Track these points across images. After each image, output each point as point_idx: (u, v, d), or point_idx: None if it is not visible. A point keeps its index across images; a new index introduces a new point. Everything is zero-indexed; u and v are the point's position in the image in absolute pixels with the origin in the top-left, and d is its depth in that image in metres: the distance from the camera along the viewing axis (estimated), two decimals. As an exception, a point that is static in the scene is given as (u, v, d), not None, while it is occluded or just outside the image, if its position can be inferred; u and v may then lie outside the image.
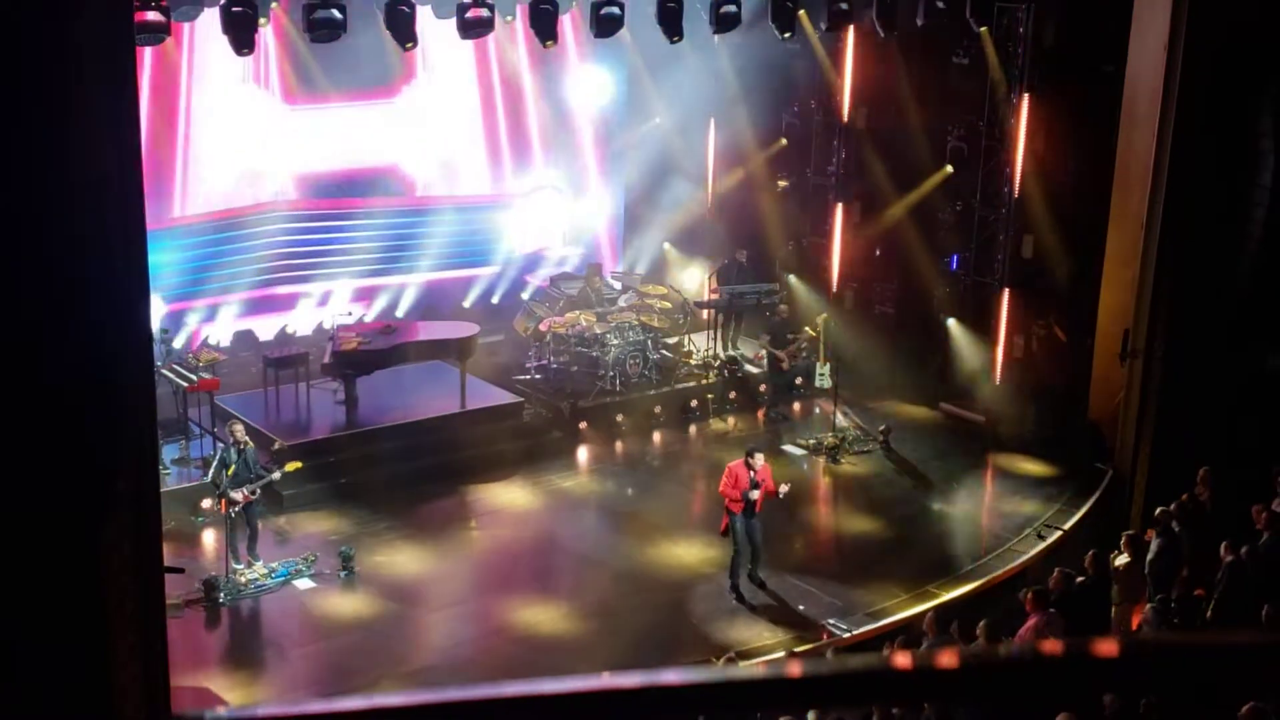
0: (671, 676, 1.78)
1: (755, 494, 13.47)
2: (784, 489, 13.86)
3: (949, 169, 18.92)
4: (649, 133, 22.02)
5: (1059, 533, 15.42)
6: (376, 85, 17.53)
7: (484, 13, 15.19)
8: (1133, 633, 11.44)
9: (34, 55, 2.02)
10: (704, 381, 19.35)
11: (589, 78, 21.24)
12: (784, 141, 21.14)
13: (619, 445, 18.09)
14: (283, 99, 17.27)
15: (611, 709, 1.82)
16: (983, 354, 18.83)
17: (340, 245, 19.46)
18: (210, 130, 16.91)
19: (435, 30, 16.14)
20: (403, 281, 19.88)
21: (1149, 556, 12.59)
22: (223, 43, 14.09)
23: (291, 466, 14.38)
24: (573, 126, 21.31)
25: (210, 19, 14.23)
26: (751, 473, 13.51)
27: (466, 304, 20.91)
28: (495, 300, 21.14)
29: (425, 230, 19.88)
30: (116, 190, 2.15)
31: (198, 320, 18.13)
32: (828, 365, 18.96)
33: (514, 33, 18.48)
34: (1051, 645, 1.80)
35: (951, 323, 19.19)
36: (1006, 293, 18.51)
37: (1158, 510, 13.35)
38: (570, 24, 19.10)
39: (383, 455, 16.49)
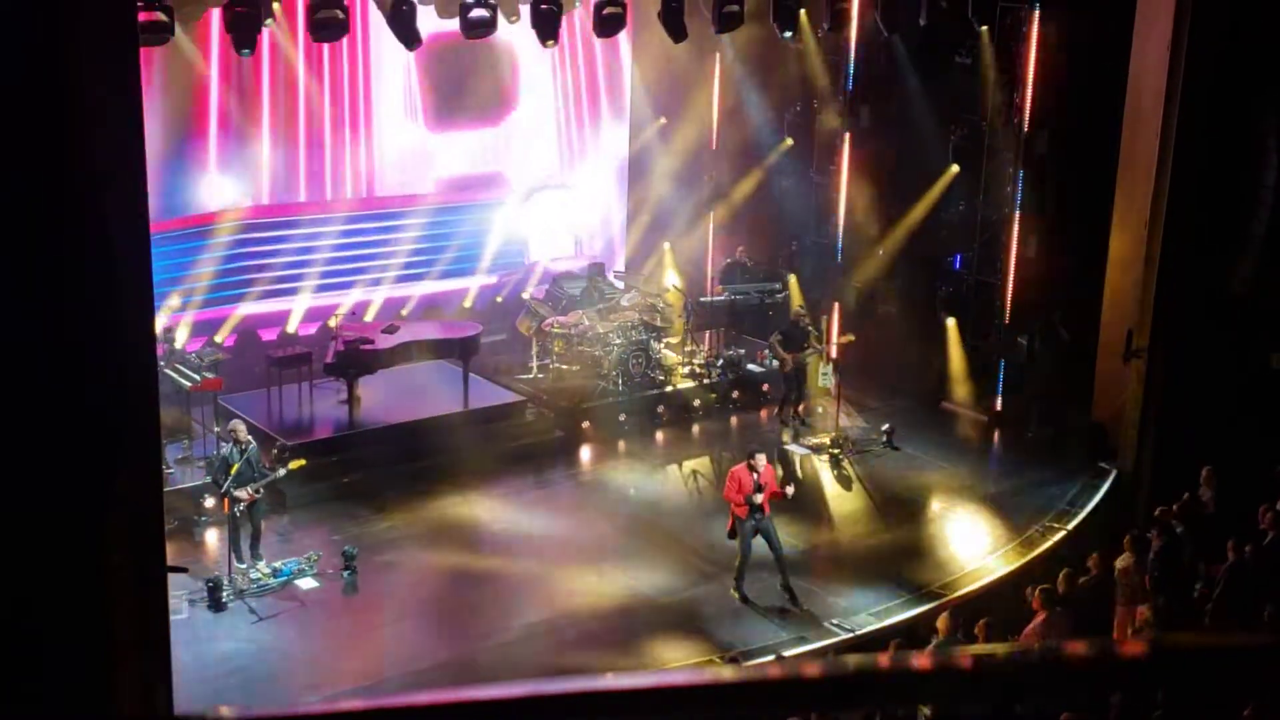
0: (676, 677, 1.77)
1: (759, 497, 13.40)
2: (789, 490, 13.83)
3: (955, 168, 18.90)
4: (653, 132, 22.05)
5: (1063, 532, 15.41)
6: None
7: (485, 13, 15.21)
8: (1135, 633, 11.42)
9: (36, 55, 2.01)
10: (706, 381, 19.36)
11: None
12: (790, 141, 21.13)
13: (621, 444, 18.09)
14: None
15: (616, 709, 1.81)
16: (986, 353, 18.82)
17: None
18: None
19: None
20: (414, 293, 20.64)
21: (1150, 557, 12.58)
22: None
23: (295, 465, 14.38)
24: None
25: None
26: (755, 475, 13.45)
27: (467, 304, 20.96)
28: (499, 299, 21.22)
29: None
30: (119, 189, 2.14)
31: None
32: (830, 365, 18.95)
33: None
34: (1055, 646, 1.79)
35: (950, 322, 19.18)
36: (1009, 292, 18.50)
37: (1158, 510, 13.34)
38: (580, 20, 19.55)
39: (385, 455, 16.50)
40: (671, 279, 21.34)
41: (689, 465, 17.63)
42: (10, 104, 2.01)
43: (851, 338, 18.83)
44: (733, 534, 13.66)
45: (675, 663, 12.62)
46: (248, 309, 19.12)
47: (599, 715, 1.82)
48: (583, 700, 1.80)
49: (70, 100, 2.04)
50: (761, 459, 13.62)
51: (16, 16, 1.98)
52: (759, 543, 13.64)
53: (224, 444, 14.47)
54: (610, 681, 1.82)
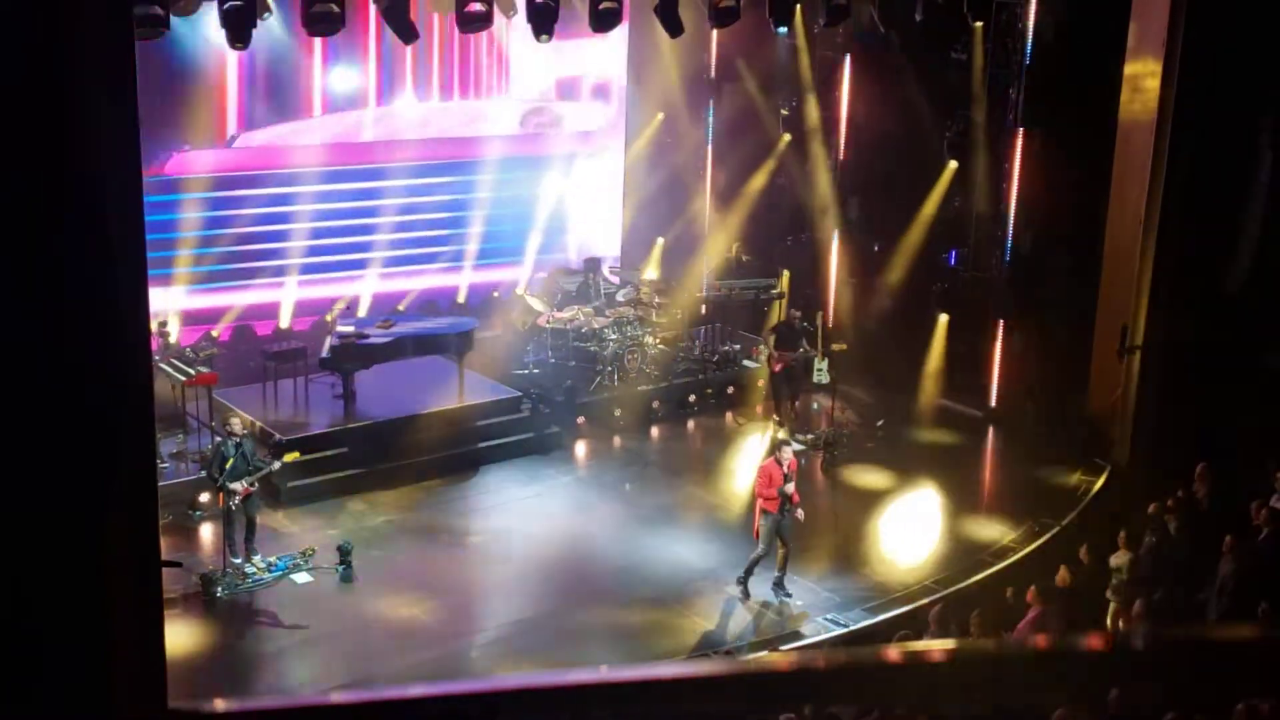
0: (668, 670, 1.78)
1: (790, 487, 13.41)
2: (799, 514, 13.75)
3: (954, 164, 18.92)
4: (650, 128, 22.07)
5: (1057, 528, 15.43)
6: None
7: (480, 7, 15.17)
8: (1128, 628, 11.46)
9: (32, 53, 2.02)
10: (701, 376, 19.36)
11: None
12: (788, 137, 21.12)
13: (617, 440, 18.10)
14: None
15: (611, 701, 1.82)
16: (981, 349, 18.83)
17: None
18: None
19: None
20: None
21: (1144, 552, 12.61)
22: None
23: (290, 457, 14.39)
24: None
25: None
26: (783, 468, 13.46)
27: (461, 299, 20.98)
28: (496, 294, 21.26)
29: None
30: (116, 186, 2.15)
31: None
32: (825, 360, 18.96)
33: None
34: (1048, 639, 1.80)
35: (944, 318, 19.21)
36: (1005, 288, 18.51)
37: (1152, 506, 13.36)
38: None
39: (380, 450, 16.50)
40: (650, 275, 21.25)
41: (684, 461, 17.63)
42: (6, 103, 2.01)
43: (843, 347, 18.75)
44: (758, 534, 13.56)
45: (669, 657, 12.64)
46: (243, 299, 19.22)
47: (593, 706, 1.83)
48: (577, 692, 1.81)
49: (66, 98, 2.05)
50: (788, 451, 13.68)
51: (14, 15, 1.98)
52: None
53: (219, 438, 14.48)
54: (604, 674, 1.83)
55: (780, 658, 7.48)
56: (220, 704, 2.04)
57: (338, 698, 1.96)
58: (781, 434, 17.98)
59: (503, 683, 1.84)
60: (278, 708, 1.98)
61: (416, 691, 1.93)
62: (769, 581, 13.84)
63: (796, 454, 17.44)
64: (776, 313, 19.98)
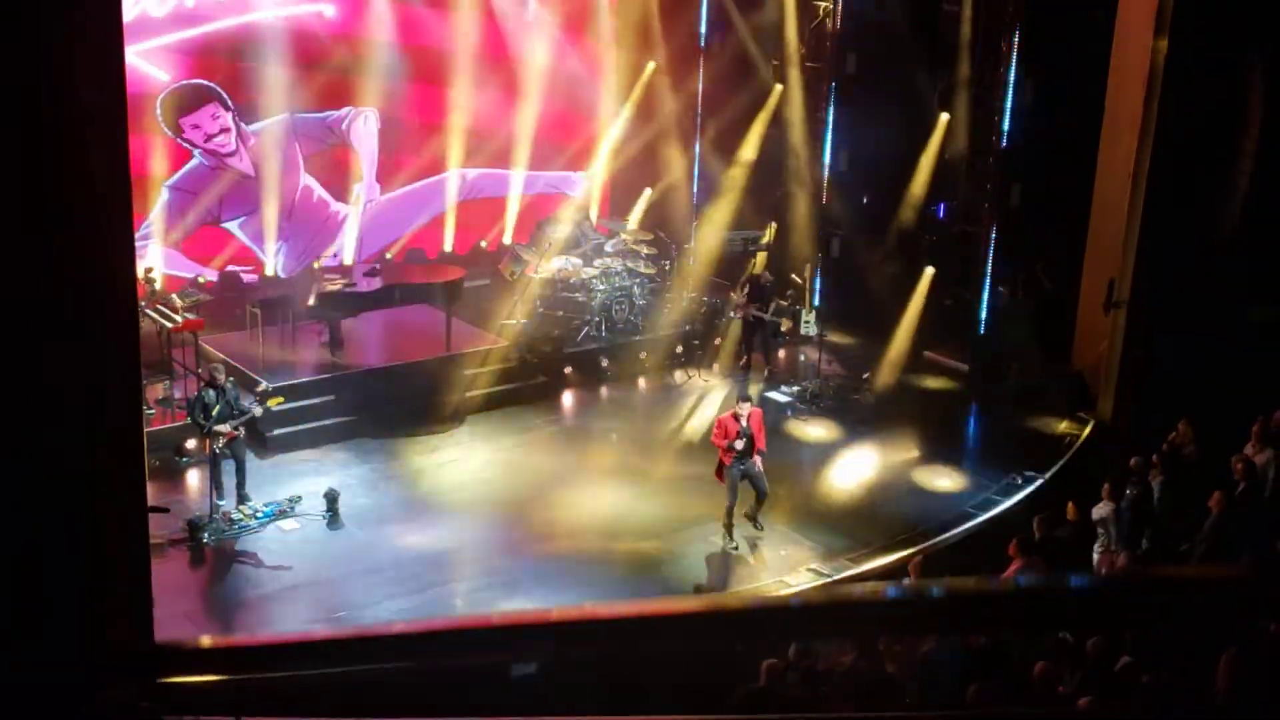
0: (655, 605, 1.80)
1: (740, 444, 13.48)
2: (758, 460, 13.75)
3: (944, 117, 18.86)
4: (642, 78, 21.94)
5: (1041, 480, 15.51)
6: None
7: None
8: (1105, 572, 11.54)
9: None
10: (688, 328, 19.34)
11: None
12: (779, 88, 20.99)
13: (604, 390, 18.12)
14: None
15: (597, 636, 1.84)
16: (968, 301, 18.84)
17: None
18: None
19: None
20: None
21: (1125, 505, 12.69)
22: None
23: (273, 402, 14.39)
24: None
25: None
26: (740, 422, 13.51)
27: (449, 248, 20.92)
28: (483, 244, 21.20)
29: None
30: (101, 126, 2.13)
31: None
32: (813, 312, 18.98)
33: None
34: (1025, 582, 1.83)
35: (931, 270, 19.20)
36: (993, 241, 18.50)
37: (1133, 460, 13.44)
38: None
39: (367, 398, 16.50)
40: (637, 227, 21.12)
41: (671, 411, 17.66)
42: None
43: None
44: (721, 476, 13.74)
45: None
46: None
47: (573, 643, 1.85)
48: (557, 629, 1.83)
49: (52, 35, 2.03)
50: (746, 407, 13.66)
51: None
52: (743, 487, 13.73)
53: (201, 383, 14.48)
54: (591, 609, 1.85)
55: (760, 596, 7.55)
56: (205, 640, 2.06)
57: (319, 633, 1.98)
58: (750, 390, 17.97)
59: (485, 620, 1.86)
60: (258, 643, 2.00)
61: (398, 629, 1.95)
62: (748, 532, 13.93)
63: (784, 404, 17.57)
64: (756, 265, 19.96)
